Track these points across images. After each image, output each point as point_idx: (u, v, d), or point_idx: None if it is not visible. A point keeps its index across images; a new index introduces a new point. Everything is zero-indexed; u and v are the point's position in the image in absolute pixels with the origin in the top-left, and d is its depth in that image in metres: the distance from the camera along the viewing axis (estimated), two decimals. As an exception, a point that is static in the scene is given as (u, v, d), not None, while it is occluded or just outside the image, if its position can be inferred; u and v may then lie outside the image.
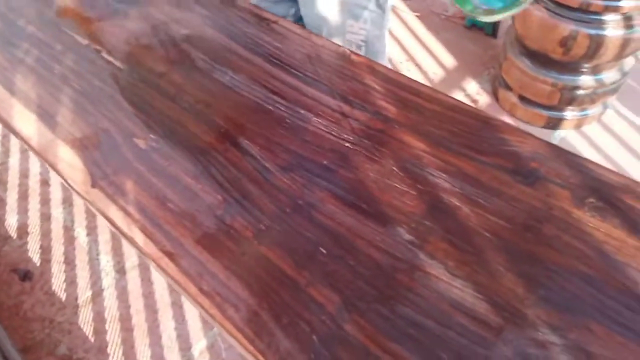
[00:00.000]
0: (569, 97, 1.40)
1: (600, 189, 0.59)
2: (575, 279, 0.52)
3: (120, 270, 1.34)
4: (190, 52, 0.84)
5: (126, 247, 1.39)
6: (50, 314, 1.27)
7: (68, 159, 0.70)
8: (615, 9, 1.17)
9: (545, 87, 1.41)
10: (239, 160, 0.67)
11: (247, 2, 0.95)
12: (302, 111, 0.72)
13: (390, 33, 1.93)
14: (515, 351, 0.47)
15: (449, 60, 1.80)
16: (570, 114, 1.47)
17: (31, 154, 1.61)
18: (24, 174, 1.61)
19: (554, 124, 1.50)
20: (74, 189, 0.69)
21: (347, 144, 0.67)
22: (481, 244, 0.55)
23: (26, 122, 0.77)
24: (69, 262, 1.37)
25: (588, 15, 1.21)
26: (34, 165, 1.62)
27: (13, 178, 1.59)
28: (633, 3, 1.16)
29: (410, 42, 1.89)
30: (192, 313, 1.25)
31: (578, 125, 1.51)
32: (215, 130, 0.71)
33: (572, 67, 1.35)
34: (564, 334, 0.48)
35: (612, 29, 1.21)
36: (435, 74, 1.76)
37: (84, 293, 1.31)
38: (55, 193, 1.54)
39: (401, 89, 0.74)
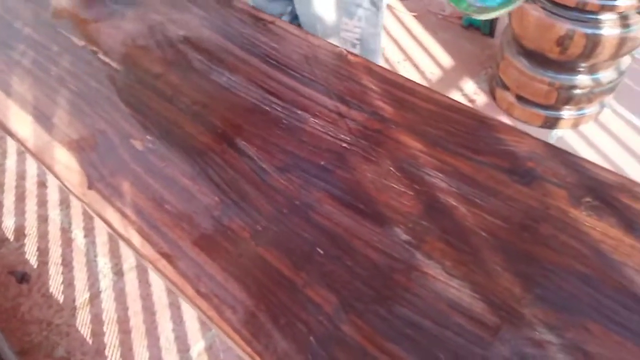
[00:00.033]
0: (566, 97, 1.41)
1: (596, 188, 0.59)
2: (572, 278, 0.52)
3: (118, 272, 1.34)
4: (187, 53, 0.84)
5: (124, 248, 1.39)
6: (47, 316, 1.27)
7: (64, 160, 0.70)
8: (611, 8, 1.18)
9: (542, 86, 1.41)
10: (236, 161, 0.67)
11: (243, 3, 0.95)
12: (299, 112, 0.72)
13: (388, 33, 1.94)
14: (512, 351, 0.47)
15: (447, 60, 1.80)
16: (567, 113, 1.48)
17: (28, 155, 1.61)
18: (21, 176, 1.60)
19: (552, 123, 1.51)
20: (70, 191, 0.68)
21: (344, 145, 0.67)
22: (478, 243, 0.55)
23: (22, 123, 0.76)
24: (67, 264, 1.37)
25: (584, 14, 1.22)
26: (31, 167, 1.62)
27: (10, 180, 1.59)
28: (629, 2, 1.16)
29: (408, 42, 1.90)
30: (190, 314, 1.24)
31: (575, 125, 1.51)
32: (212, 131, 0.71)
33: (569, 67, 1.36)
34: (561, 333, 0.48)
35: (609, 28, 1.21)
36: (433, 73, 1.76)
37: (81, 295, 1.30)
38: (53, 195, 1.54)
39: (398, 89, 0.74)
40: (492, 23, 1.83)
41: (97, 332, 1.23)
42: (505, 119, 1.58)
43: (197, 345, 1.19)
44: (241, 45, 0.85)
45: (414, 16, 2.00)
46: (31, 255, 1.40)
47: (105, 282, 1.32)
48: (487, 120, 0.68)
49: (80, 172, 0.68)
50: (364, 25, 0.97)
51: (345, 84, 0.76)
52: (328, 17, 0.97)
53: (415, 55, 1.84)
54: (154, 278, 1.32)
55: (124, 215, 0.63)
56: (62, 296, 1.31)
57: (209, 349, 1.18)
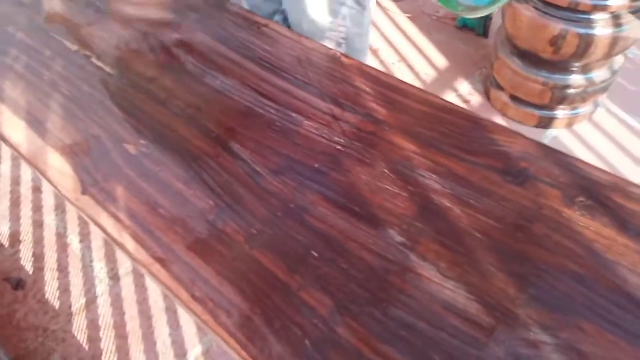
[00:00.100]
0: (560, 96, 1.41)
1: (589, 188, 0.59)
2: (565, 278, 0.52)
3: (114, 277, 1.33)
4: (181, 56, 0.84)
5: (120, 253, 1.39)
6: (43, 322, 1.26)
7: (58, 166, 0.70)
8: (603, 8, 1.18)
9: (536, 86, 1.41)
10: (230, 164, 0.67)
11: (237, 6, 0.95)
12: (293, 114, 0.72)
13: (382, 34, 1.94)
14: (507, 352, 0.47)
15: (441, 61, 1.80)
16: (561, 113, 1.48)
17: (23, 161, 1.60)
18: (16, 181, 1.59)
19: (546, 123, 1.51)
20: (64, 196, 0.68)
21: (338, 147, 0.67)
22: (472, 244, 0.55)
23: (15, 129, 0.76)
24: (62, 269, 1.36)
25: (577, 14, 1.22)
26: (26, 172, 1.61)
27: (4, 185, 1.58)
28: (621, 2, 1.17)
29: (402, 44, 1.90)
30: (187, 319, 1.24)
31: (570, 124, 1.52)
32: (206, 135, 0.71)
33: (563, 67, 1.36)
34: (556, 333, 0.48)
35: (601, 28, 1.22)
36: (428, 74, 1.76)
37: (77, 301, 1.30)
38: (48, 200, 1.53)
39: (391, 90, 0.74)
40: (486, 24, 1.83)
41: (94, 338, 1.22)
42: (500, 119, 1.58)
43: (195, 350, 1.19)
44: (235, 49, 0.85)
45: (409, 17, 2.00)
46: (27, 261, 1.40)
47: (102, 287, 1.32)
48: (481, 121, 0.69)
49: (73, 177, 0.68)
50: (349, 24, 0.97)
51: (339, 87, 0.76)
52: (313, 16, 0.97)
53: (410, 56, 1.84)
54: (151, 283, 1.31)
55: (117, 220, 0.62)
56: (58, 302, 1.30)
57: (206, 353, 1.18)
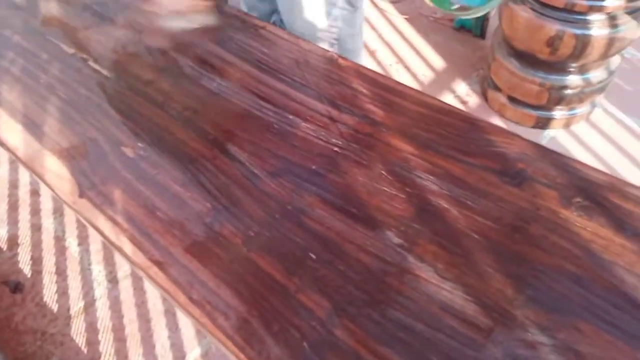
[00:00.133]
0: (557, 97, 1.41)
1: (586, 188, 0.60)
2: (563, 278, 0.52)
3: (113, 280, 1.33)
4: (178, 59, 0.84)
5: (118, 256, 1.38)
6: (42, 325, 1.26)
7: (55, 169, 0.70)
8: (599, 9, 1.19)
9: (533, 87, 1.42)
10: (228, 166, 0.67)
11: (234, 9, 0.95)
12: (291, 116, 0.73)
13: (380, 36, 1.95)
14: (505, 352, 0.47)
15: (439, 62, 1.81)
16: (559, 113, 1.48)
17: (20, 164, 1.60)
18: (14, 185, 1.59)
19: (543, 123, 1.51)
20: (61, 200, 0.68)
21: (335, 149, 0.67)
22: (470, 245, 0.56)
23: (12, 132, 0.76)
24: (61, 272, 1.36)
25: (573, 15, 1.22)
26: (24, 175, 1.61)
27: (2, 189, 1.58)
28: (617, 3, 1.17)
29: (400, 45, 1.90)
30: (185, 321, 1.24)
31: (567, 125, 1.52)
32: (203, 137, 0.71)
33: (560, 67, 1.36)
34: (553, 334, 0.48)
35: (598, 28, 1.22)
36: (425, 75, 1.76)
37: (76, 304, 1.29)
38: (46, 203, 1.53)
39: (388, 92, 0.74)
40: (483, 25, 1.84)
41: (92, 341, 1.22)
42: (497, 120, 1.59)
43: (193, 352, 1.18)
44: (232, 51, 0.85)
45: (406, 19, 2.01)
46: (25, 264, 1.39)
47: (100, 290, 1.31)
48: (478, 122, 0.69)
49: (71, 181, 0.68)
50: (340, 25, 0.98)
51: (336, 88, 0.76)
52: (306, 17, 0.97)
53: (407, 57, 1.84)
54: (149, 285, 1.31)
55: (115, 223, 0.62)
56: (57, 305, 1.30)
57: (205, 355, 1.18)
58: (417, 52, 1.86)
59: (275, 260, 0.56)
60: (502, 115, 1.58)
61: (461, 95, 1.68)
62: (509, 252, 0.55)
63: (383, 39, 1.93)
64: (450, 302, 0.51)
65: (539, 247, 0.55)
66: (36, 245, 1.43)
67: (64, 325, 1.25)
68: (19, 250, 1.43)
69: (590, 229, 0.56)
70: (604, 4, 1.18)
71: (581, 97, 1.42)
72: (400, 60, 1.84)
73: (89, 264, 1.37)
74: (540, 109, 1.49)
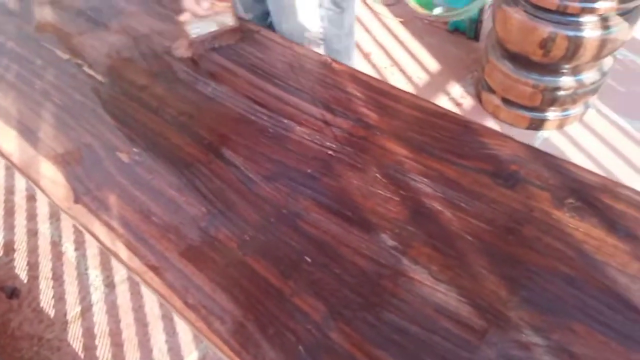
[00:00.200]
0: (551, 98, 1.42)
1: (578, 189, 0.60)
2: (556, 279, 0.52)
3: (110, 285, 1.33)
4: (172, 64, 0.85)
5: (115, 260, 1.38)
6: (38, 331, 1.25)
7: (50, 175, 0.70)
8: (591, 11, 1.20)
9: (526, 88, 1.42)
10: (223, 171, 0.67)
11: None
12: (285, 120, 0.73)
13: (374, 39, 1.95)
14: (499, 354, 0.48)
15: (433, 65, 1.81)
16: (552, 114, 1.49)
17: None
18: (10, 190, 1.59)
19: (537, 124, 1.52)
20: (57, 205, 0.68)
21: (330, 152, 0.68)
22: (463, 247, 0.56)
23: (7, 138, 0.76)
24: (57, 277, 1.36)
25: (566, 17, 1.23)
26: (20, 181, 1.61)
27: (-2, 194, 1.57)
28: (608, 4, 1.18)
29: (394, 47, 1.91)
30: (183, 325, 1.24)
31: (560, 126, 1.53)
32: (198, 142, 0.71)
33: (553, 69, 1.37)
34: (547, 335, 0.49)
35: (590, 30, 1.23)
36: (420, 78, 1.77)
37: (72, 309, 1.29)
38: (42, 208, 1.53)
39: (382, 95, 0.75)
40: (477, 27, 1.85)
41: (89, 346, 1.22)
42: (491, 122, 1.59)
43: (191, 357, 1.18)
44: (226, 56, 0.85)
45: (401, 22, 2.02)
46: (21, 270, 1.39)
47: (97, 295, 1.31)
48: (471, 125, 0.69)
49: (66, 186, 0.68)
50: (326, 25, 0.98)
51: (330, 92, 0.76)
52: (292, 16, 0.98)
53: (402, 60, 1.85)
54: (146, 290, 1.31)
55: (110, 228, 0.62)
56: (53, 310, 1.29)
57: (203, 359, 1.18)
58: (412, 55, 1.86)
59: (271, 264, 0.56)
60: (496, 116, 1.59)
61: (455, 98, 1.69)
62: (503, 254, 0.55)
63: (377, 42, 1.94)
64: (445, 304, 0.52)
65: (533, 248, 0.55)
66: (32, 250, 1.42)
67: (61, 331, 1.25)
68: (15, 255, 1.42)
69: (583, 229, 0.56)
70: (596, 5, 1.19)
71: (574, 98, 1.43)
72: (395, 62, 1.85)
73: (86, 269, 1.37)
74: (534, 111, 1.50)
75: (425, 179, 0.63)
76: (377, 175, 0.64)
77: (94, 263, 1.38)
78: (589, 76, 1.39)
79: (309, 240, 0.58)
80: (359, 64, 1.80)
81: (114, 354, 1.20)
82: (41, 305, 1.31)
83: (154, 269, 0.58)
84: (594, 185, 0.60)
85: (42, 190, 0.69)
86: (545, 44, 1.28)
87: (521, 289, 0.52)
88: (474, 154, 0.65)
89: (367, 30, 2.00)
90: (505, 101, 1.52)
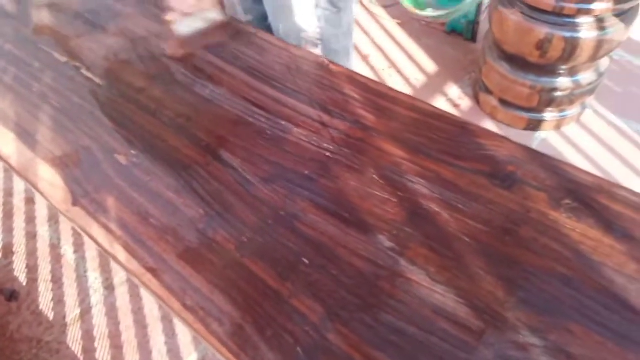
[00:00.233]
0: (548, 99, 1.43)
1: (575, 190, 0.60)
2: (553, 280, 0.53)
3: (109, 287, 1.33)
4: (170, 66, 0.85)
5: (114, 263, 1.38)
6: (37, 334, 1.25)
7: (48, 177, 0.70)
8: (587, 12, 1.20)
9: (524, 89, 1.43)
10: (221, 173, 0.67)
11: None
12: (283, 122, 0.73)
13: (372, 40, 1.96)
14: (496, 354, 0.48)
15: (431, 66, 1.82)
16: (549, 115, 1.50)
17: (14, 172, 1.59)
18: (8, 193, 1.59)
19: (535, 125, 1.53)
20: (55, 208, 0.68)
21: (327, 154, 0.68)
22: (461, 248, 0.56)
23: (5, 141, 0.76)
24: (56, 280, 1.36)
25: (562, 18, 1.24)
26: (18, 183, 1.61)
27: (-4, 197, 1.57)
28: (604, 6, 1.19)
29: (392, 49, 1.91)
30: (182, 327, 1.24)
31: (558, 126, 1.53)
32: (196, 144, 0.71)
33: (550, 70, 1.38)
34: (544, 335, 0.49)
35: (586, 31, 1.24)
36: (417, 79, 1.78)
37: (72, 311, 1.29)
38: (41, 211, 1.53)
39: (379, 97, 0.75)
40: (474, 28, 1.85)
41: (89, 349, 1.22)
42: (489, 123, 1.60)
43: (190, 358, 1.18)
44: (224, 58, 0.85)
45: (398, 23, 2.02)
46: (20, 272, 1.39)
47: (96, 297, 1.31)
48: (468, 126, 0.69)
49: (64, 189, 0.68)
50: (323, 25, 0.98)
51: (327, 94, 0.77)
52: (290, 17, 0.98)
53: (399, 61, 1.86)
54: (146, 292, 1.31)
55: (108, 230, 0.63)
56: (52, 313, 1.29)
57: (202, 361, 1.18)
58: (410, 56, 1.87)
59: (269, 266, 0.57)
60: (493, 117, 1.59)
61: (453, 99, 1.69)
62: (500, 255, 0.55)
63: (375, 44, 1.95)
64: (442, 305, 0.52)
65: (530, 249, 0.55)
66: (31, 253, 1.42)
67: (60, 333, 1.25)
68: (14, 258, 1.42)
69: (580, 230, 0.57)
70: (592, 7, 1.19)
71: (571, 99, 1.43)
72: (393, 64, 1.85)
73: (85, 271, 1.37)
74: (531, 111, 1.50)
75: (422, 180, 0.63)
76: (375, 176, 0.64)
77: (93, 265, 1.38)
78: (586, 77, 1.40)
79: (307, 242, 0.58)
80: (357, 66, 1.80)
81: (114, 356, 1.20)
82: (40, 307, 1.31)
83: (152, 271, 0.58)
84: (590, 186, 0.61)
85: (41, 193, 0.70)
86: (542, 45, 1.28)
87: (518, 290, 0.52)
88: (470, 155, 0.66)
89: (365, 32, 2.00)
90: (503, 102, 1.53)
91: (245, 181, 0.66)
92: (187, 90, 0.80)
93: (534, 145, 1.51)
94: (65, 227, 1.48)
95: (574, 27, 1.23)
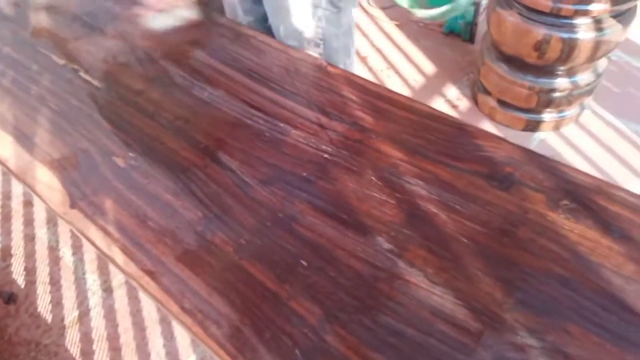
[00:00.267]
0: (546, 100, 1.43)
1: (573, 191, 0.60)
2: (551, 281, 0.53)
3: (107, 289, 1.33)
4: (169, 68, 0.85)
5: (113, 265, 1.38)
6: (35, 336, 1.25)
7: (46, 180, 0.70)
8: (585, 13, 1.20)
9: (522, 90, 1.43)
10: (219, 175, 0.67)
11: (224, 18, 0.95)
12: (281, 124, 0.73)
13: (371, 42, 1.96)
14: (494, 356, 0.48)
15: (429, 67, 1.82)
16: (548, 116, 1.50)
17: (13, 174, 1.59)
18: (7, 196, 1.58)
19: (533, 126, 1.53)
20: (53, 210, 0.68)
21: (325, 155, 0.68)
22: (459, 249, 0.56)
23: (3, 143, 0.76)
24: (55, 282, 1.35)
25: (559, 19, 1.24)
26: (17, 186, 1.60)
27: (-5, 199, 1.57)
28: (602, 7, 1.19)
29: (390, 50, 1.91)
30: (181, 329, 1.23)
31: (556, 127, 1.54)
32: (194, 146, 0.71)
33: (548, 70, 1.38)
34: (542, 336, 0.49)
35: (584, 32, 1.24)
36: (416, 80, 1.78)
37: (70, 313, 1.29)
38: (39, 213, 1.52)
39: (377, 98, 0.75)
40: (472, 29, 1.86)
41: (87, 351, 1.21)
42: (487, 124, 1.60)
43: (189, 360, 1.18)
44: (222, 60, 0.85)
45: (396, 25, 2.02)
46: (18, 275, 1.38)
47: (95, 299, 1.31)
48: (466, 127, 0.70)
49: (62, 192, 0.68)
50: (324, 25, 0.99)
51: (325, 96, 0.77)
52: (290, 18, 0.99)
53: (398, 63, 1.86)
54: (144, 294, 1.31)
55: (106, 233, 0.62)
56: (51, 315, 1.29)
57: (200, 363, 1.18)
58: (408, 58, 1.87)
59: (267, 268, 0.57)
60: (492, 118, 1.59)
61: (452, 100, 1.69)
62: (498, 256, 0.55)
63: (374, 45, 1.95)
64: (441, 307, 0.52)
65: (528, 250, 0.55)
66: (30, 255, 1.42)
67: (58, 336, 1.25)
68: (12, 260, 1.42)
69: (578, 231, 0.57)
70: (589, 8, 1.20)
71: (570, 99, 1.44)
72: (391, 65, 1.85)
73: (83, 273, 1.37)
74: (530, 112, 1.50)
75: (420, 182, 0.63)
76: (373, 178, 0.65)
77: (92, 267, 1.38)
78: (584, 78, 1.40)
79: (305, 244, 0.58)
80: (356, 67, 1.80)
81: (112, 359, 1.20)
82: (38, 310, 1.30)
83: (150, 273, 0.58)
84: (588, 186, 0.61)
85: (38, 196, 0.70)
86: (540, 46, 1.28)
87: (516, 291, 0.52)
88: (468, 156, 0.66)
89: (364, 34, 2.00)
90: (501, 103, 1.53)
91: (244, 183, 0.66)
92: (185, 92, 0.80)
93: (533, 145, 1.51)
94: (64, 230, 1.47)
95: (572, 28, 1.24)
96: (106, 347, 1.22)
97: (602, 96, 1.62)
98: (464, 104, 1.68)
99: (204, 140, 0.72)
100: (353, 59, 1.14)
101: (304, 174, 0.66)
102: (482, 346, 0.49)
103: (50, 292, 1.34)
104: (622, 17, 1.27)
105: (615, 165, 1.44)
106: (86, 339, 1.23)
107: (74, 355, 1.21)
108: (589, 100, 1.55)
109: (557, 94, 1.41)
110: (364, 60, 1.88)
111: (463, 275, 0.54)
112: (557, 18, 1.24)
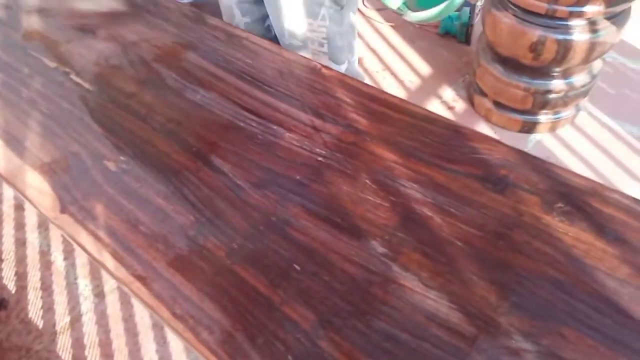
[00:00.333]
0: (542, 101, 1.43)
1: (568, 193, 0.60)
2: (546, 284, 0.52)
3: (99, 294, 1.32)
4: (161, 71, 0.84)
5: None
6: (26, 342, 1.23)
7: (37, 184, 0.69)
8: (579, 15, 1.21)
9: (518, 92, 1.43)
10: (211, 179, 0.66)
11: (216, 19, 0.95)
12: (274, 127, 0.72)
13: (366, 43, 1.96)
14: (489, 360, 0.47)
15: (425, 69, 1.82)
16: (544, 117, 1.50)
17: (5, 178, 1.58)
18: (-2, 199, 1.57)
19: (529, 127, 1.53)
20: (43, 215, 0.67)
21: (319, 158, 0.67)
22: (453, 253, 0.56)
23: (-7, 148, 0.75)
24: (46, 287, 1.34)
25: (555, 21, 1.24)
26: (7, 190, 1.59)
27: (-14, 204, 1.56)
28: (596, 8, 1.19)
29: (386, 52, 1.91)
30: (173, 335, 1.22)
31: (552, 129, 1.54)
32: (186, 150, 0.71)
33: (543, 72, 1.38)
34: (537, 340, 0.48)
35: (579, 33, 1.24)
36: (412, 82, 1.78)
37: (62, 319, 1.27)
38: (31, 217, 1.51)
39: (371, 101, 0.75)
40: (468, 31, 1.86)
41: (79, 357, 1.20)
42: (483, 125, 1.60)
43: (183, 365, 1.17)
44: (215, 62, 0.85)
45: (392, 26, 2.02)
46: (9, 280, 1.37)
47: (87, 304, 1.30)
48: (460, 130, 0.69)
49: (52, 196, 0.67)
50: (328, 24, 0.99)
51: (319, 98, 0.76)
52: (294, 18, 0.98)
53: (393, 64, 1.86)
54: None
55: (97, 238, 0.62)
56: (42, 321, 1.27)
57: (195, 368, 1.16)
58: (403, 59, 1.87)
59: (259, 273, 0.56)
60: (488, 120, 1.60)
61: (448, 101, 1.69)
62: (493, 259, 0.55)
63: (369, 47, 1.95)
64: (435, 311, 0.51)
65: (522, 253, 0.55)
66: (21, 260, 1.41)
67: (50, 342, 1.23)
68: (3, 265, 1.40)
69: (572, 234, 0.56)
70: (584, 9, 1.20)
71: (565, 101, 1.44)
72: (387, 67, 1.85)
73: (75, 278, 1.35)
74: (526, 114, 1.50)
75: (415, 185, 0.63)
76: (367, 181, 0.64)
77: (84, 272, 1.36)
78: (580, 79, 1.40)
79: (298, 248, 0.58)
80: (354, 56, 1.80)
81: (105, 364, 1.18)
82: (30, 315, 1.29)
83: (141, 279, 0.57)
84: (583, 189, 0.60)
85: (29, 200, 0.68)
86: (535, 48, 1.28)
87: (511, 295, 0.52)
88: (463, 158, 0.65)
89: (359, 36, 2.00)
90: (497, 104, 1.53)
91: (236, 187, 0.65)
92: (177, 95, 0.79)
93: (529, 147, 1.51)
94: (55, 234, 1.46)
95: (567, 29, 1.24)
96: (98, 353, 1.21)
97: (597, 97, 1.62)
98: (459, 105, 1.68)
99: (196, 144, 0.71)
100: (356, 56, 1.14)
101: (298, 177, 0.65)
102: (477, 350, 0.48)
103: (42, 297, 1.32)
104: (617, 18, 1.27)
105: (610, 166, 1.44)
106: (78, 345, 1.22)
107: (66, 361, 1.20)
108: (584, 102, 1.56)
109: (552, 95, 1.41)
110: (359, 61, 1.88)
111: (458, 279, 0.54)
112: (552, 19, 1.24)
